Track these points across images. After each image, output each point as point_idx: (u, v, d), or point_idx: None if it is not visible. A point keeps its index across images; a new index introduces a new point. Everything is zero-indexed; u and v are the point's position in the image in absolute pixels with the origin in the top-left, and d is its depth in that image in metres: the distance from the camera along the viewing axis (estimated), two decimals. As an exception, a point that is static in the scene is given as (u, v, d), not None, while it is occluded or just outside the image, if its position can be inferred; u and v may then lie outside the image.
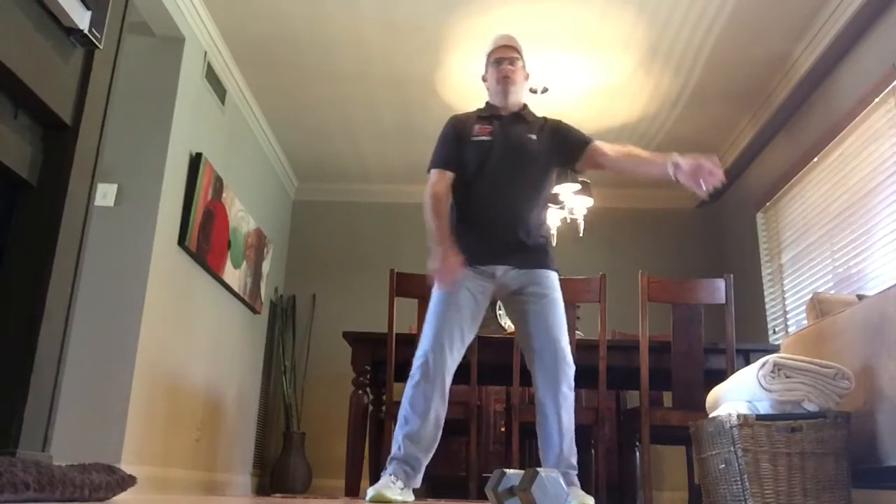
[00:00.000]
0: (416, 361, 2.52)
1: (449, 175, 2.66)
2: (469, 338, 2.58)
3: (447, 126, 2.76)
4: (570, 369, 2.55)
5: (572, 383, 2.56)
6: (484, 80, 2.82)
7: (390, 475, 2.44)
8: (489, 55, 2.79)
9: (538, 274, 2.62)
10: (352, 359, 3.51)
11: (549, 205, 4.65)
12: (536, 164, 2.68)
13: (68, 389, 3.28)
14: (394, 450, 2.50)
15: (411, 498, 2.49)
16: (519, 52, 2.76)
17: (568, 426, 2.52)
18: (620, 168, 2.72)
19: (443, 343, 2.50)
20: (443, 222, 2.58)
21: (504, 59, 2.73)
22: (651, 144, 5.53)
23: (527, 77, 2.82)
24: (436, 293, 2.59)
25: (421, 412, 2.47)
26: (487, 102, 2.80)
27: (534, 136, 2.70)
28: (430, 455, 2.52)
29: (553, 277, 2.67)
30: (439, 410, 2.50)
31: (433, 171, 2.69)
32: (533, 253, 2.64)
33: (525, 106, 2.81)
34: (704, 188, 2.36)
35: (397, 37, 4.33)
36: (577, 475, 2.55)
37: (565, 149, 2.73)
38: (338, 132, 5.53)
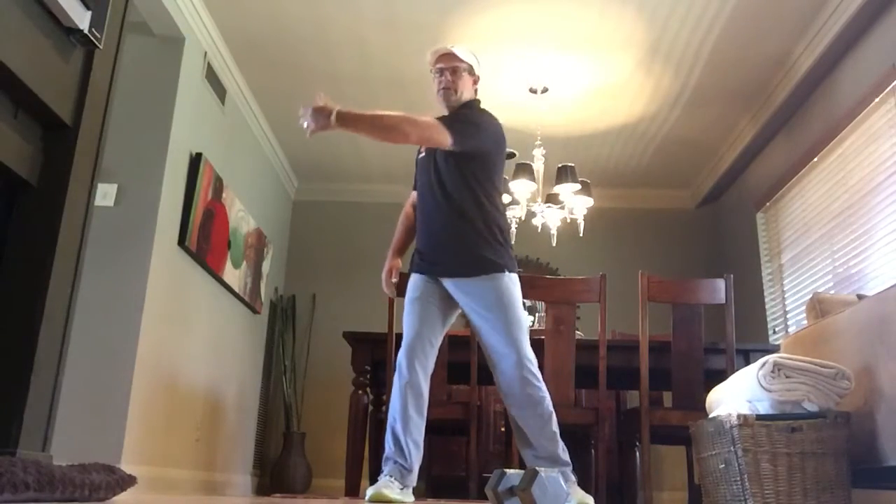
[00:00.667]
0: (396, 362, 2.61)
1: (414, 194, 2.85)
2: (437, 339, 2.63)
3: None
4: (529, 373, 2.52)
5: (536, 384, 2.53)
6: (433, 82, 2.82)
7: (387, 475, 2.46)
8: (431, 66, 2.79)
9: (476, 285, 2.57)
10: (352, 359, 3.52)
11: (549, 205, 4.66)
12: (448, 165, 2.63)
13: (68, 389, 3.28)
14: (386, 450, 2.54)
15: (411, 499, 2.50)
16: (461, 60, 2.73)
17: (541, 432, 2.52)
18: None
19: (410, 345, 2.57)
20: (396, 235, 2.92)
21: (445, 68, 2.73)
22: (651, 144, 5.53)
23: (475, 81, 2.78)
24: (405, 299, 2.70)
25: (399, 412, 2.52)
26: None
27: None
28: (420, 452, 2.54)
29: (493, 283, 2.56)
30: (414, 412, 2.53)
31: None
32: (468, 259, 2.58)
33: (466, 104, 2.73)
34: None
35: (397, 37, 4.33)
36: (576, 474, 2.55)
37: None
38: (338, 132, 5.52)
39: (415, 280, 2.67)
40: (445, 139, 2.55)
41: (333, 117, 2.43)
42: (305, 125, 2.45)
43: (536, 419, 2.51)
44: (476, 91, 2.80)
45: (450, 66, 2.72)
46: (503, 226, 2.66)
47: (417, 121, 2.53)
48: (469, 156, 2.61)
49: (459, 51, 2.74)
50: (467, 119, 2.66)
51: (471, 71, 2.76)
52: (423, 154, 2.77)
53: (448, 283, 2.62)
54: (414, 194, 2.85)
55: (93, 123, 1.61)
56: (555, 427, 2.54)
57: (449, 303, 2.65)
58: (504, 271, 2.57)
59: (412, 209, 2.85)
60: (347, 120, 2.46)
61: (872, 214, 3.80)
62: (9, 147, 1.39)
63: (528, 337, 2.57)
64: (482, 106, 2.79)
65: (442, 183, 2.63)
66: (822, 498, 2.31)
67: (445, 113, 2.74)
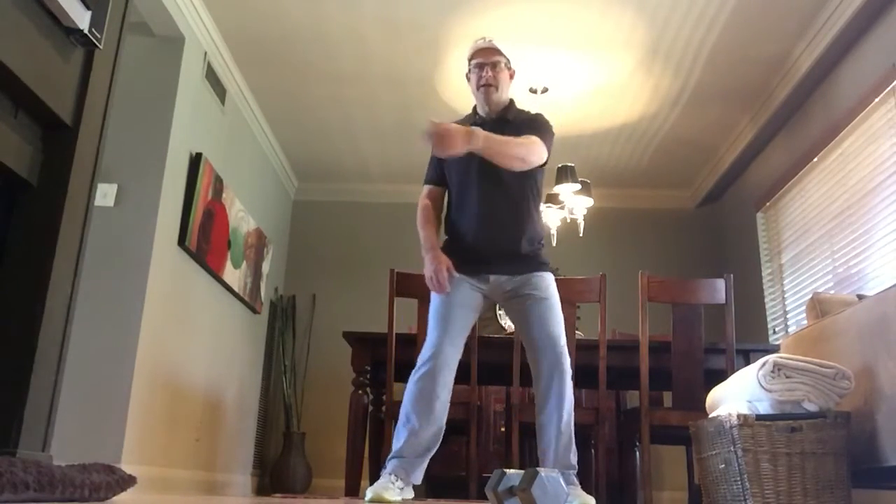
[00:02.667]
0: (420, 360, 2.56)
1: (436, 190, 2.78)
2: (466, 336, 2.63)
3: None
4: (568, 369, 2.57)
5: (570, 383, 2.57)
6: (468, 78, 2.78)
7: (390, 474, 2.45)
8: (470, 59, 2.75)
9: (530, 277, 2.62)
10: (352, 359, 3.51)
11: (549, 205, 4.66)
12: (516, 173, 2.63)
13: (68, 389, 3.28)
14: (395, 447, 2.51)
15: (411, 495, 2.50)
16: (501, 54, 2.72)
17: (566, 426, 2.53)
18: None
19: (444, 342, 2.54)
20: (428, 232, 2.69)
21: (485, 63, 2.69)
22: (651, 144, 5.54)
23: (512, 76, 2.78)
24: (435, 295, 2.65)
25: (422, 411, 2.49)
26: (474, 107, 2.81)
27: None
28: (432, 453, 2.53)
29: (547, 279, 2.66)
30: (442, 410, 2.52)
31: (424, 187, 2.81)
32: (522, 260, 2.64)
33: (510, 104, 2.77)
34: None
35: (397, 37, 4.33)
36: (577, 475, 2.55)
37: None
38: (338, 132, 5.53)
39: (455, 281, 2.61)
40: (544, 157, 2.63)
41: (474, 140, 2.44)
42: (433, 143, 2.45)
43: (566, 413, 2.53)
44: (511, 85, 2.80)
45: (490, 61, 2.69)
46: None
47: (533, 149, 2.57)
48: (535, 168, 2.66)
49: (498, 45, 2.73)
50: (546, 128, 2.70)
51: (509, 65, 2.75)
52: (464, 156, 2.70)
53: (501, 279, 2.62)
54: (427, 189, 2.78)
55: (93, 123, 1.61)
56: (573, 428, 2.57)
57: (481, 301, 2.66)
58: (549, 271, 2.68)
59: (431, 203, 2.75)
60: (480, 141, 2.46)
61: (872, 214, 3.80)
62: (9, 147, 1.39)
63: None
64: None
65: (502, 195, 2.63)
66: (822, 498, 2.31)
67: (483, 110, 2.74)
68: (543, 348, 2.56)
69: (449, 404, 2.55)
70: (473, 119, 2.75)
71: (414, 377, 2.54)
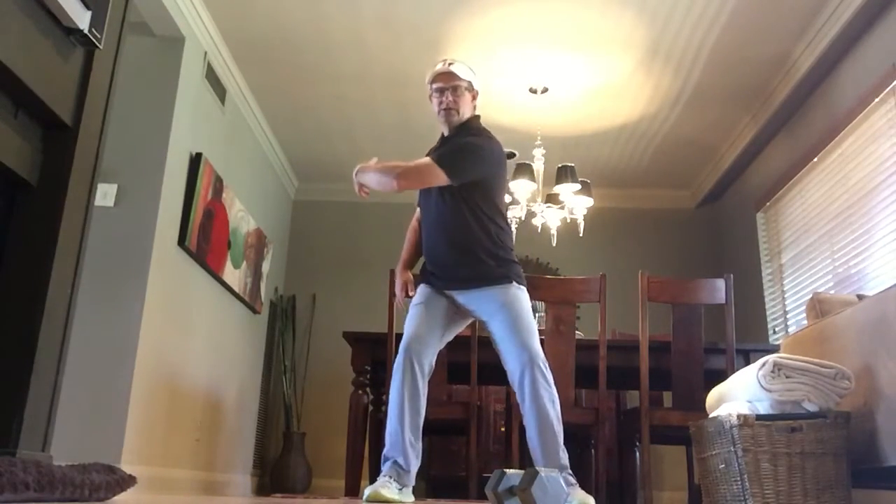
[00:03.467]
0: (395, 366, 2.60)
1: (419, 210, 2.87)
2: (445, 337, 2.67)
3: None
4: (541, 376, 2.53)
5: (548, 386, 2.54)
6: (430, 100, 2.80)
7: (386, 476, 2.47)
8: (430, 83, 2.76)
9: (485, 295, 2.61)
10: (352, 359, 3.52)
11: (549, 205, 4.66)
12: (449, 195, 2.64)
13: (68, 389, 3.27)
14: (385, 449, 2.54)
15: (411, 498, 2.51)
16: (460, 79, 2.71)
17: (544, 431, 2.51)
18: None
19: (409, 346, 2.57)
20: (405, 249, 2.91)
21: (445, 88, 2.71)
22: (651, 144, 5.54)
23: (474, 97, 2.79)
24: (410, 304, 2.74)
25: (397, 412, 2.53)
26: (441, 133, 2.83)
27: None
28: (417, 452, 2.54)
29: (503, 291, 2.60)
30: (413, 412, 2.53)
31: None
32: (477, 273, 2.62)
33: (464, 123, 2.74)
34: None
35: (397, 37, 4.33)
36: (576, 476, 2.55)
37: None
38: (338, 132, 5.53)
39: (422, 289, 2.71)
40: (441, 177, 2.59)
41: (354, 173, 2.68)
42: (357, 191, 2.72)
43: (542, 419, 2.51)
44: (475, 107, 2.80)
45: (450, 86, 2.71)
46: (508, 243, 2.70)
47: (408, 167, 2.61)
48: (468, 186, 2.63)
49: (458, 69, 2.72)
50: (461, 150, 2.65)
51: (470, 88, 2.76)
52: None
53: (459, 296, 2.65)
54: (417, 210, 2.87)
55: (93, 123, 1.61)
56: (558, 430, 2.55)
57: (454, 311, 2.67)
58: (512, 282, 2.61)
59: (418, 224, 2.86)
60: (361, 173, 2.67)
61: (872, 214, 3.80)
62: (9, 147, 1.39)
63: (538, 340, 2.58)
64: (480, 122, 2.80)
65: (444, 214, 2.65)
66: (822, 498, 2.31)
67: (445, 131, 2.76)
68: (509, 365, 2.57)
69: (423, 407, 2.56)
70: (438, 144, 2.80)
71: (394, 382, 2.57)
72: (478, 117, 2.81)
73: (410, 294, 2.81)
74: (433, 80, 2.74)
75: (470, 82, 2.75)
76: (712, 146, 5.54)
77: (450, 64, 2.73)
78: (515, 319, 2.56)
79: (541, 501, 1.80)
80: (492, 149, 2.70)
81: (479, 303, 2.62)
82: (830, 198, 4.27)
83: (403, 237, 2.97)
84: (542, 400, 2.51)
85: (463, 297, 2.64)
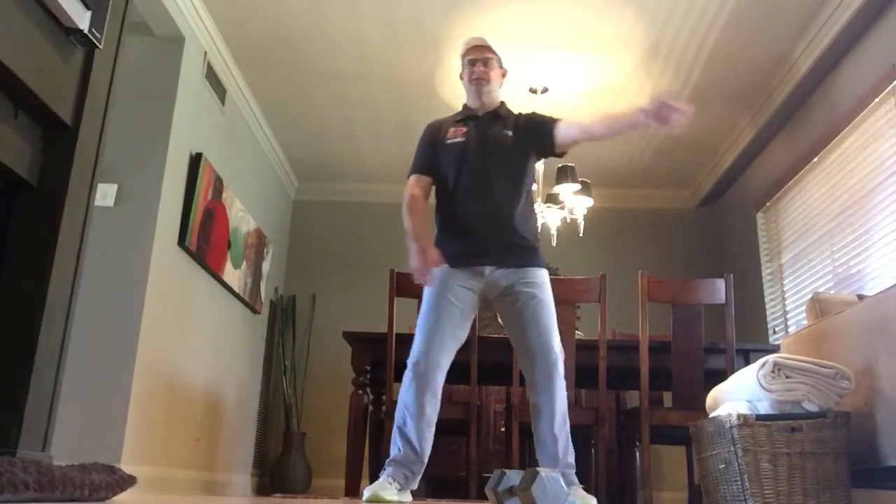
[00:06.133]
0: (409, 362, 2.54)
1: (425, 179, 2.74)
2: (461, 337, 2.59)
3: (423, 132, 2.83)
4: (562, 376, 2.53)
5: (563, 385, 2.54)
6: (461, 77, 2.83)
7: (388, 477, 2.45)
8: (463, 56, 2.79)
9: (526, 272, 2.59)
10: (352, 359, 3.51)
11: (549, 204, 4.66)
12: (513, 160, 2.68)
13: (68, 389, 3.27)
14: (392, 451, 2.51)
15: (409, 499, 2.49)
16: (493, 52, 2.76)
17: (562, 427, 2.51)
18: (594, 135, 2.68)
19: (433, 344, 2.51)
20: (418, 220, 2.64)
21: (478, 59, 2.74)
22: (651, 144, 5.54)
23: (503, 75, 2.83)
24: (426, 294, 2.62)
25: (413, 413, 2.48)
26: (464, 104, 2.84)
27: (509, 133, 2.71)
28: (426, 455, 2.52)
29: (542, 275, 2.63)
30: (431, 412, 2.50)
31: (411, 177, 2.76)
32: (518, 250, 2.62)
33: (502, 104, 2.82)
34: (673, 124, 2.48)
35: (397, 37, 4.33)
36: (577, 474, 2.55)
37: (539, 136, 2.72)
38: (338, 132, 5.53)
39: (447, 275, 2.57)
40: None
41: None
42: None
43: (559, 414, 2.50)
44: (501, 84, 2.84)
45: (482, 57, 2.75)
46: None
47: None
48: (530, 160, 2.72)
49: (490, 43, 2.78)
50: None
51: (500, 63, 2.81)
52: (461, 139, 2.71)
53: (497, 273, 2.58)
54: (416, 178, 2.73)
55: (93, 123, 1.61)
56: (569, 428, 2.55)
57: (474, 303, 2.61)
58: (544, 270, 2.66)
59: (421, 192, 2.71)
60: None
61: (872, 214, 3.80)
62: (9, 147, 1.39)
63: None
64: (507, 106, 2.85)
65: (504, 176, 2.64)
66: (822, 498, 2.31)
67: (474, 104, 2.78)
68: (537, 359, 2.52)
69: (438, 407, 2.53)
70: (464, 116, 2.79)
71: (404, 383, 2.53)
72: (504, 103, 2.85)
73: (444, 265, 2.59)
74: (466, 53, 2.78)
75: (500, 58, 2.80)
76: (712, 146, 5.54)
77: (483, 38, 2.79)
78: (549, 309, 2.57)
79: (541, 501, 1.80)
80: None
81: (521, 283, 2.56)
82: (830, 198, 4.27)
83: (403, 237, 2.92)
84: (557, 406, 2.51)
85: (501, 274, 2.57)
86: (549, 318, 2.56)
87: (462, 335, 2.60)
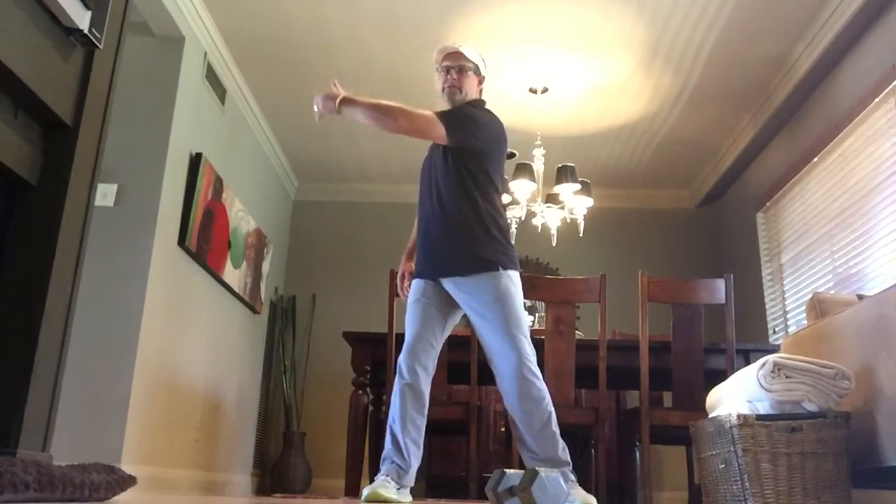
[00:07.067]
0: (398, 365, 2.60)
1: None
2: (438, 341, 2.62)
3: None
4: (527, 372, 2.49)
5: (537, 383, 2.50)
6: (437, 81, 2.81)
7: (384, 475, 2.47)
8: (438, 63, 2.77)
9: (472, 286, 2.54)
10: (352, 359, 3.52)
11: (549, 205, 4.65)
12: (445, 163, 2.63)
13: (68, 389, 3.27)
14: (385, 450, 2.55)
15: (408, 498, 2.50)
16: (468, 60, 2.73)
17: (542, 428, 2.49)
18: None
19: (411, 346, 2.57)
20: (410, 239, 2.88)
21: (452, 66, 2.72)
22: (651, 144, 5.53)
23: (481, 81, 2.79)
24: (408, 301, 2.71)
25: (398, 412, 2.53)
26: None
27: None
28: (419, 452, 2.54)
29: (487, 284, 2.53)
30: (414, 413, 2.53)
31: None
32: (461, 259, 2.56)
33: (466, 103, 2.74)
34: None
35: (397, 37, 4.33)
36: (575, 474, 2.54)
37: None
38: (338, 132, 5.53)
39: (416, 284, 2.67)
40: (440, 132, 2.56)
41: (338, 101, 2.52)
42: (316, 109, 2.55)
43: (536, 420, 2.49)
44: (481, 92, 2.81)
45: (456, 65, 2.72)
46: (502, 225, 2.63)
47: (412, 112, 2.56)
48: (466, 152, 2.60)
49: (467, 51, 2.74)
50: (466, 114, 2.65)
51: (477, 71, 2.76)
52: (427, 155, 2.77)
53: (447, 284, 2.60)
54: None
55: (93, 123, 1.61)
56: (555, 427, 2.52)
57: (450, 305, 2.63)
58: (499, 269, 2.53)
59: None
60: (349, 104, 2.53)
61: (872, 214, 3.80)
62: (9, 147, 1.39)
63: (528, 335, 2.55)
64: (486, 107, 2.80)
65: (438, 183, 2.63)
66: (822, 498, 2.31)
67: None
68: (495, 366, 2.55)
69: (425, 408, 2.56)
70: None
71: (396, 383, 2.57)
72: (483, 101, 2.80)
73: (408, 283, 2.78)
74: (441, 59, 2.75)
75: (477, 66, 2.76)
76: (712, 146, 5.54)
77: (459, 46, 2.75)
78: (505, 313, 2.51)
79: (541, 501, 1.80)
80: (492, 122, 2.70)
81: (469, 295, 2.55)
82: (830, 198, 4.27)
83: (403, 237, 2.97)
84: (534, 398, 2.49)
85: (454, 287, 2.57)
86: (498, 331, 2.51)
87: (446, 329, 2.64)
